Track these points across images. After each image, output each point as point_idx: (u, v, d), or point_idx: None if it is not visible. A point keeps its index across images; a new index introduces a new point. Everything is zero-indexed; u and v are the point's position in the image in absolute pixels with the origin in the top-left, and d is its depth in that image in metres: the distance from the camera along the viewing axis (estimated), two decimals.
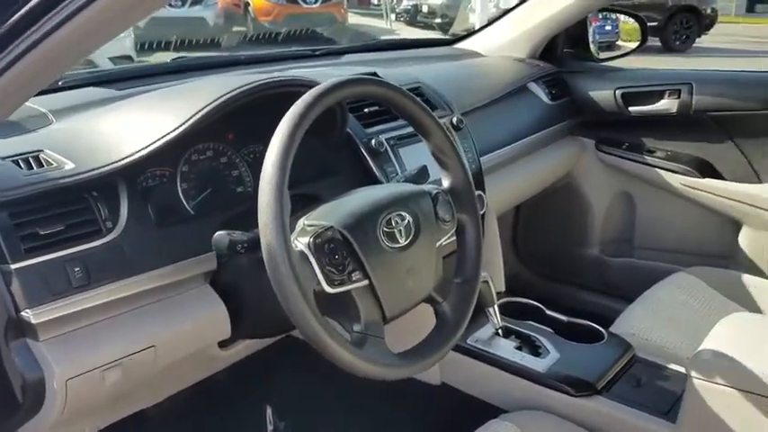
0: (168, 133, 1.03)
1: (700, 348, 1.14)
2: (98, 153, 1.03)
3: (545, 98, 2.00)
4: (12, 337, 0.92)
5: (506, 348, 1.36)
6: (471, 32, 2.27)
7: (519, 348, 1.36)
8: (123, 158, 1.02)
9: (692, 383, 1.12)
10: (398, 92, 1.07)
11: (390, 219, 1.00)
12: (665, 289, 1.70)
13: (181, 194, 1.15)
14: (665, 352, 1.41)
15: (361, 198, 1.03)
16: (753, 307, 1.64)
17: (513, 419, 1.20)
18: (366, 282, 0.96)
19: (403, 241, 1.00)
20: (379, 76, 1.38)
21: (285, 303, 0.88)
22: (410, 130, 1.41)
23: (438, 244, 1.07)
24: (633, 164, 2.04)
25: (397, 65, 1.86)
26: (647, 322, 1.53)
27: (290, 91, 1.12)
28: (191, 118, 1.04)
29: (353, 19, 12.43)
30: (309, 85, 1.14)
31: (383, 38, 7.88)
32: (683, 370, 1.31)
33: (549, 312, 1.49)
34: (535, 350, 1.35)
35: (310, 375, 1.61)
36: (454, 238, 1.11)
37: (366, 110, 1.42)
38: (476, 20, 9.83)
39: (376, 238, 0.98)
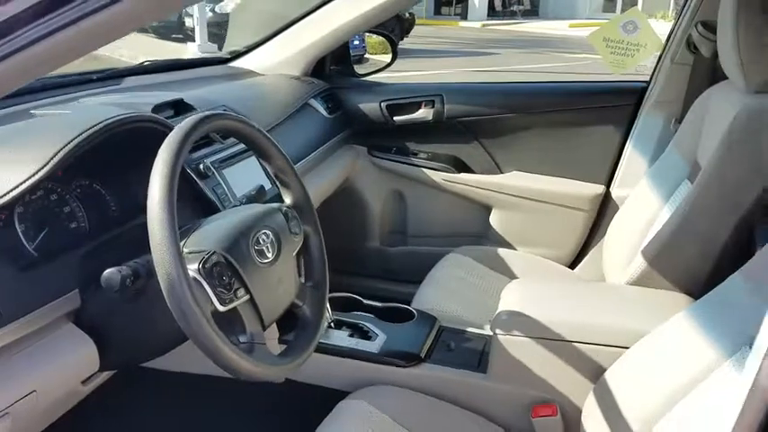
0: (16, 186, 1.02)
1: (498, 311, 1.45)
2: None
3: (324, 112, 2.22)
4: None
5: (341, 337, 1.54)
6: (242, 52, 2.38)
7: (351, 336, 1.55)
8: None
9: (496, 339, 1.42)
10: (246, 123, 1.18)
11: (258, 237, 1.12)
12: (443, 268, 2.03)
13: (21, 237, 1.12)
14: (461, 319, 1.71)
15: (229, 222, 1.13)
16: (510, 274, 2.06)
17: (359, 397, 1.40)
18: (248, 296, 1.07)
19: (271, 256, 1.13)
20: (227, 111, 1.48)
21: (188, 326, 0.95)
22: (228, 152, 1.53)
23: (293, 254, 1.21)
24: (401, 165, 2.36)
25: (192, 87, 1.91)
26: (438, 297, 1.84)
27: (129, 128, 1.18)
28: (41, 168, 1.03)
29: None
30: (151, 119, 1.20)
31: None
32: (483, 331, 1.62)
33: (366, 302, 1.70)
34: (365, 335, 1.56)
35: (149, 405, 1.62)
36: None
37: None
38: (194, 23, 9.74)
39: (250, 256, 1.09)
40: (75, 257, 1.13)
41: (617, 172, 2.19)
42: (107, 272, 0.99)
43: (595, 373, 1.34)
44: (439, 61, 11.06)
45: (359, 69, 2.52)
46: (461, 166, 2.33)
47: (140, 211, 1.27)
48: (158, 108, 1.45)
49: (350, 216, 2.44)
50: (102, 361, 1.14)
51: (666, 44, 2.11)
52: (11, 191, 1.00)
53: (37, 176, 1.02)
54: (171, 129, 1.17)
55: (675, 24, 2.10)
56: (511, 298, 1.48)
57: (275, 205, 1.22)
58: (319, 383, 1.52)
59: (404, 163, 2.35)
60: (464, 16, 19.45)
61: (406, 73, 7.46)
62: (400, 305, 1.70)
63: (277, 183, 1.27)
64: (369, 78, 2.47)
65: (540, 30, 17.29)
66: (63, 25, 0.67)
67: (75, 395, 1.22)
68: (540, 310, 1.41)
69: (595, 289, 1.73)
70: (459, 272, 2.02)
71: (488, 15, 19.78)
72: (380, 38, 2.56)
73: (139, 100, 1.54)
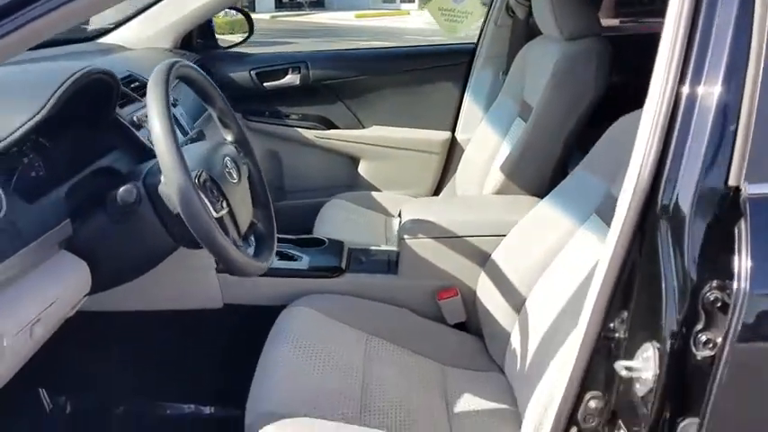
0: (26, 122, 1.14)
1: (403, 221, 1.78)
2: None
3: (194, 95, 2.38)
4: None
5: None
6: (108, 30, 2.45)
7: (280, 259, 1.79)
8: None
9: (404, 243, 1.74)
10: (198, 72, 1.38)
11: (225, 161, 1.34)
12: (328, 213, 2.33)
13: (30, 175, 1.24)
14: (361, 243, 2.02)
15: (202, 151, 1.33)
16: (385, 211, 2.41)
17: (300, 304, 1.65)
18: (228, 209, 1.29)
19: (236, 177, 1.35)
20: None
21: (199, 226, 1.14)
22: None
23: (246, 180, 1.44)
24: (275, 127, 2.60)
25: (74, 60, 1.99)
26: (333, 233, 2.12)
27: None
28: (44, 106, 1.16)
29: None
30: (109, 73, 1.36)
31: None
32: (383, 247, 1.94)
33: (280, 236, 1.93)
34: (290, 258, 1.80)
35: (83, 348, 1.72)
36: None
37: None
38: None
39: (224, 175, 1.31)
40: (58, 195, 1.25)
41: (459, 120, 2.63)
42: (123, 188, 1.16)
43: (483, 259, 1.71)
44: None
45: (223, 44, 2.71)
46: (329, 124, 2.63)
47: (97, 157, 1.42)
48: None
49: None
50: (94, 282, 1.28)
51: (489, 10, 2.58)
52: (16, 130, 1.12)
53: (38, 117, 1.14)
54: (117, 82, 1.34)
55: None
56: (410, 211, 1.82)
57: (223, 141, 1.44)
58: (258, 303, 1.73)
59: (278, 124, 2.59)
60: (252, 8, 19.52)
61: None
62: (310, 236, 1.96)
63: (219, 124, 1.48)
64: (239, 50, 2.67)
65: (329, 20, 17.91)
66: None
67: (61, 320, 1.33)
68: (435, 216, 1.77)
69: (470, 198, 2.14)
70: (343, 213, 2.33)
71: (276, 7, 20.07)
72: (226, 18, 2.76)
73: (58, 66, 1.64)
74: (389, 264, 1.83)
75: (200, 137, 1.56)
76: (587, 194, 1.49)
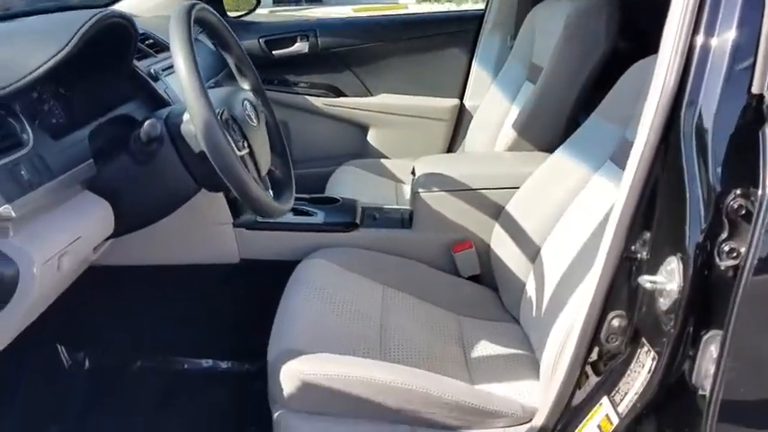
0: (52, 57, 1.15)
1: (416, 176, 1.79)
2: None
3: (211, 46, 2.39)
4: None
5: (288, 217, 1.77)
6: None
7: (295, 215, 1.80)
8: (11, 84, 1.10)
9: (418, 196, 1.75)
10: (216, 16, 1.39)
11: (244, 104, 1.35)
12: (338, 179, 2.34)
13: (52, 117, 1.25)
14: (373, 202, 2.03)
15: (221, 92, 1.34)
16: (394, 177, 2.42)
17: (316, 256, 1.66)
18: (248, 150, 1.30)
19: (255, 121, 1.36)
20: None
21: (223, 162, 1.15)
22: (166, 63, 1.70)
23: (264, 126, 1.45)
24: (284, 95, 2.61)
25: None
26: (347, 195, 2.13)
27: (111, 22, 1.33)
28: (68, 43, 1.17)
29: None
30: (125, 17, 1.37)
31: None
32: (396, 206, 1.95)
33: (296, 196, 1.94)
34: (307, 213, 1.81)
35: (100, 304, 1.74)
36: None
37: None
38: None
39: (245, 117, 1.32)
40: (81, 135, 1.27)
41: (467, 86, 2.64)
42: (149, 122, 1.17)
43: (497, 211, 1.73)
44: None
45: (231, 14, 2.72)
46: (338, 93, 2.64)
47: (115, 106, 1.43)
48: None
49: None
50: (116, 224, 1.29)
51: None
52: (42, 65, 1.13)
53: (63, 53, 1.15)
54: (135, 29, 1.35)
55: None
56: (424, 165, 1.83)
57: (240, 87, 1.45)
58: (274, 258, 1.74)
59: (286, 92, 2.60)
60: None
61: None
62: (324, 195, 1.97)
63: (236, 71, 1.49)
64: (246, 19, 2.67)
65: (326, 15, 17.84)
66: None
67: (84, 263, 1.35)
68: (449, 170, 1.78)
69: (483, 153, 2.15)
70: (354, 178, 2.34)
71: (274, 2, 20.01)
72: None
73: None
74: (403, 220, 1.84)
75: (216, 86, 1.57)
76: (602, 141, 1.50)
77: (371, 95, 2.65)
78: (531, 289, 1.56)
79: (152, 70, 1.59)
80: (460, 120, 2.65)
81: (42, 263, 1.03)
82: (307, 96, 2.60)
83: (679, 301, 0.89)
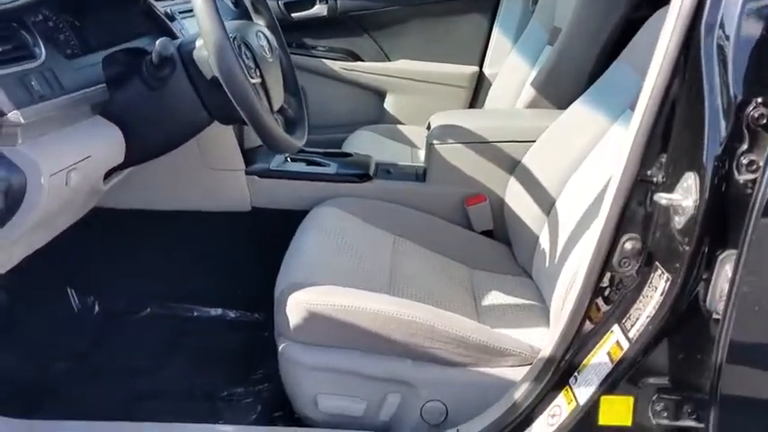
0: None
1: (432, 129, 1.77)
2: None
3: (231, 5, 2.38)
4: None
5: (300, 166, 1.77)
6: None
7: (308, 165, 1.79)
8: None
9: (433, 148, 1.73)
10: None
11: (258, 35, 1.33)
12: (352, 141, 2.32)
13: (69, 40, 1.25)
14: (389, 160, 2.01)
15: (239, 23, 1.33)
16: (410, 142, 2.40)
17: (328, 204, 1.65)
18: (261, 79, 1.28)
19: (269, 54, 1.35)
20: None
21: (235, 88, 1.14)
22: (187, 5, 1.70)
23: (278, 64, 1.44)
24: (302, 58, 2.59)
25: None
26: (364, 150, 2.10)
27: None
28: None
29: None
30: None
31: None
32: (410, 163, 1.93)
33: (308, 149, 1.93)
34: (320, 164, 1.80)
35: (112, 249, 1.74)
36: None
37: None
38: None
39: (259, 47, 1.31)
40: (95, 59, 1.26)
41: (487, 53, 2.61)
42: (158, 42, 1.16)
43: (513, 166, 1.70)
44: None
45: None
46: (355, 57, 2.62)
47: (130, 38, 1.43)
48: None
49: None
50: (127, 152, 1.28)
51: None
52: None
53: None
54: None
55: None
56: (440, 119, 1.81)
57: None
58: (286, 207, 1.73)
59: (304, 55, 2.58)
60: None
61: None
62: (339, 150, 1.96)
63: (251, 8, 1.48)
64: None
65: None
66: None
67: (95, 194, 1.35)
68: (465, 122, 1.75)
69: (501, 111, 2.12)
70: (370, 141, 2.32)
71: None
72: None
73: None
74: (417, 174, 1.82)
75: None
76: (623, 88, 1.46)
77: (389, 60, 2.63)
78: (544, 242, 1.54)
79: (169, 10, 1.59)
80: (479, 87, 2.62)
81: (50, 174, 1.03)
82: (324, 60, 2.59)
83: (695, 217, 0.86)
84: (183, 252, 1.75)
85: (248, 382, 1.54)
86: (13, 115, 0.97)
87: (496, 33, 2.56)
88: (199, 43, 1.22)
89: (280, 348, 1.24)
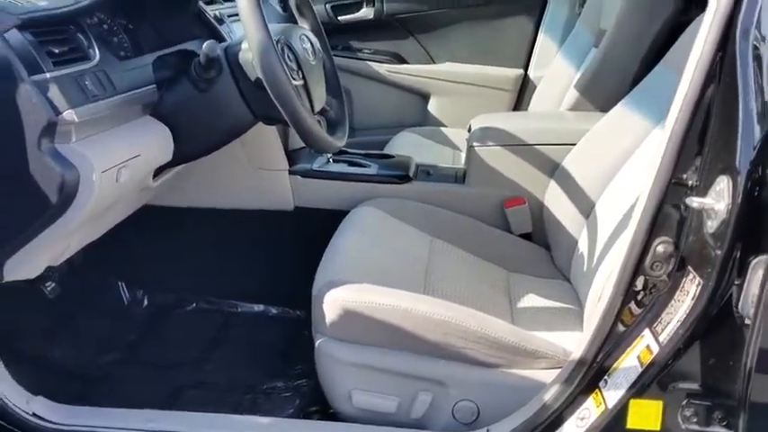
0: None
1: (473, 129, 1.78)
2: None
3: (279, 9, 2.45)
4: (45, 142, 1.03)
5: (342, 167, 1.81)
6: None
7: (350, 165, 1.82)
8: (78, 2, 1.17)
9: (473, 150, 1.74)
10: None
11: (301, 38, 1.37)
12: (397, 143, 2.35)
13: (123, 43, 1.32)
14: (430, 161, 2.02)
15: (283, 26, 1.37)
16: (454, 145, 2.41)
17: (369, 204, 1.68)
18: (303, 81, 1.32)
19: (312, 57, 1.39)
20: None
21: (278, 89, 1.18)
22: (232, 11, 1.75)
23: (321, 66, 1.47)
24: (348, 61, 2.64)
25: None
26: (406, 151, 2.12)
27: None
28: None
29: None
30: None
31: None
32: (451, 165, 1.94)
33: (350, 150, 1.97)
34: (361, 165, 1.83)
35: (162, 245, 1.81)
36: None
37: None
38: None
39: (302, 50, 1.35)
40: (145, 61, 1.32)
41: (533, 56, 2.60)
42: (209, 42, 1.21)
43: (552, 168, 1.69)
44: None
45: None
46: (401, 60, 2.65)
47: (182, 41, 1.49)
48: None
49: None
50: (176, 151, 1.34)
51: None
52: None
53: None
54: None
55: None
56: (479, 122, 1.82)
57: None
58: (327, 207, 1.76)
59: (350, 58, 2.63)
60: None
61: None
62: (380, 152, 1.99)
63: (296, 12, 1.52)
64: None
65: None
66: None
67: (146, 191, 1.41)
68: (505, 124, 1.76)
69: (542, 113, 2.11)
70: (412, 143, 2.34)
71: None
72: None
73: None
74: (457, 176, 1.83)
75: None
76: (665, 92, 1.44)
77: (434, 63, 2.65)
78: (583, 245, 1.53)
79: (218, 12, 1.65)
80: (524, 90, 2.61)
81: (102, 171, 1.08)
82: (370, 62, 2.62)
83: (727, 221, 0.85)
84: (227, 249, 1.80)
85: (287, 376, 1.58)
86: (68, 114, 1.03)
87: (542, 36, 2.55)
88: (244, 46, 1.27)
89: (316, 344, 1.27)
